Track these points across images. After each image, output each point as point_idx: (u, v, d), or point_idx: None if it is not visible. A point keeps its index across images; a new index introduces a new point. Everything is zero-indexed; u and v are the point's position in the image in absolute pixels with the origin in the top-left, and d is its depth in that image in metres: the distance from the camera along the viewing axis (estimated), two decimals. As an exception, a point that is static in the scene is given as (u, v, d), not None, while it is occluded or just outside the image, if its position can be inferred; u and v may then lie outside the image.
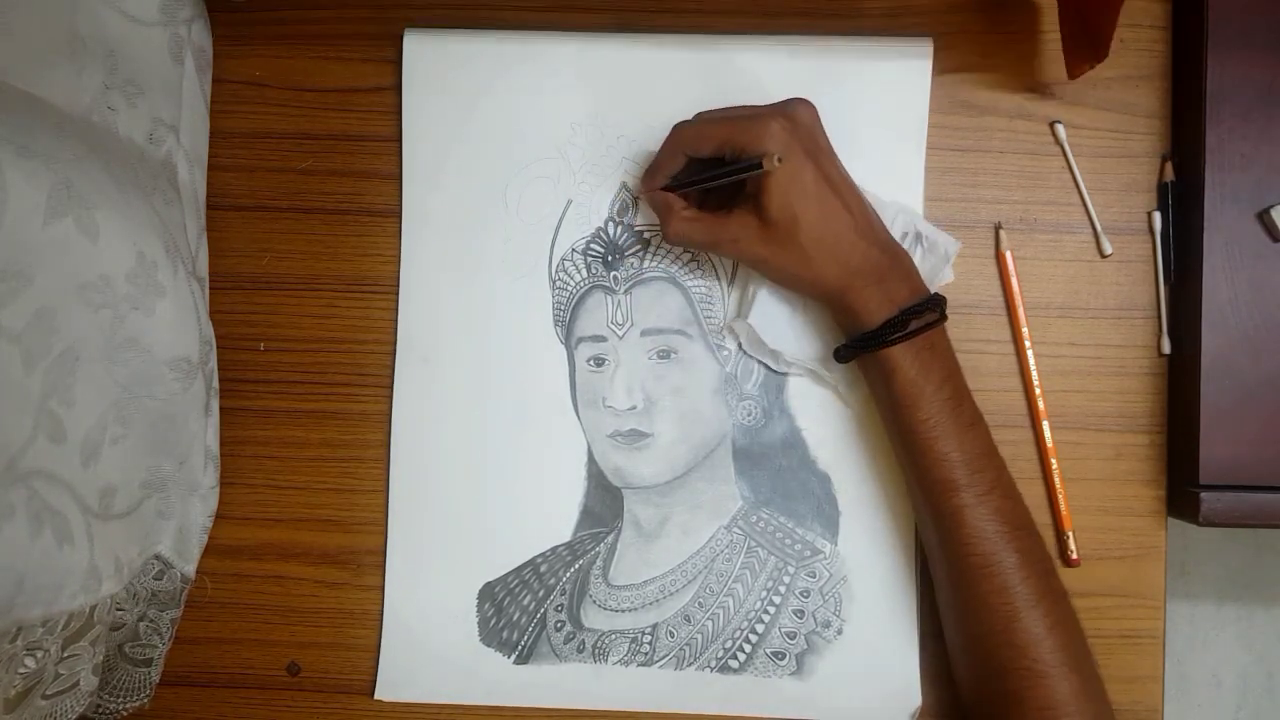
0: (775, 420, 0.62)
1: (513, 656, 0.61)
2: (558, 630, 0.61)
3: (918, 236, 0.60)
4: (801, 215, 0.53)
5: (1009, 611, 0.52)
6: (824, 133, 0.56)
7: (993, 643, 0.52)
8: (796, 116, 0.54)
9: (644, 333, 0.62)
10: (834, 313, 0.57)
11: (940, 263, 0.60)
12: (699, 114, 0.57)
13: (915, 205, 0.61)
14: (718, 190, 0.58)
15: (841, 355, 0.56)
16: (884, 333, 0.53)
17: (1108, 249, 0.61)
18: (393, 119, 0.63)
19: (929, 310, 0.54)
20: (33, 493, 0.45)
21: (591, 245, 0.62)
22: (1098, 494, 0.61)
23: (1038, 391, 0.61)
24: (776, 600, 0.61)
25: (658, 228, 0.62)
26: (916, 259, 0.59)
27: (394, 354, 0.63)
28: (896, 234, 0.58)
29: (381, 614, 0.62)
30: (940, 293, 0.56)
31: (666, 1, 0.63)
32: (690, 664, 0.61)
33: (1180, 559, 1.14)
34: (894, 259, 0.55)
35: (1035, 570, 0.53)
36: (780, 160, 0.52)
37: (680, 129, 0.57)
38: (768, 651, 0.61)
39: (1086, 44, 0.57)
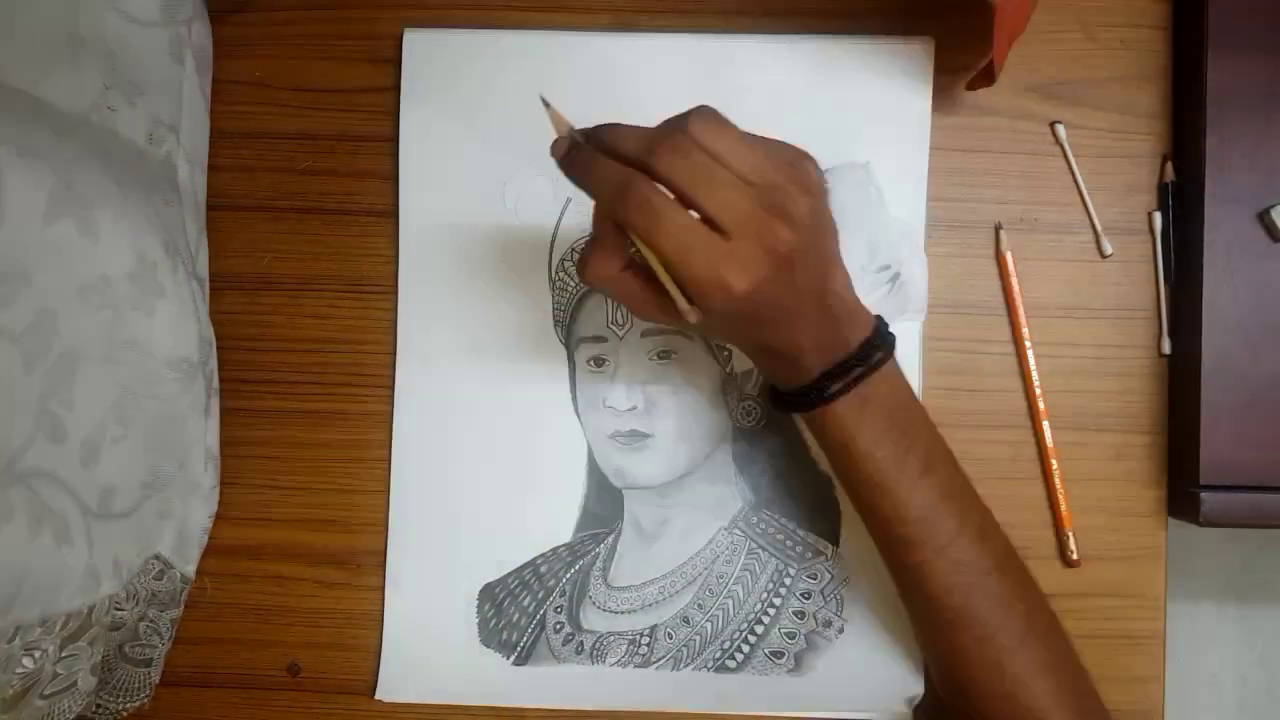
0: (776, 421, 0.61)
1: (512, 657, 0.61)
2: (557, 632, 0.61)
3: (894, 278, 0.60)
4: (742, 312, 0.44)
5: (991, 660, 0.49)
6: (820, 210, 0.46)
7: (978, 693, 0.50)
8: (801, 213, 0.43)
9: (644, 333, 0.62)
10: (759, 365, 0.52)
11: (905, 305, 0.60)
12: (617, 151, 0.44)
13: (918, 205, 0.61)
14: None
15: (777, 406, 0.52)
16: (812, 393, 0.48)
17: (1108, 249, 0.61)
18: (393, 119, 0.63)
19: (866, 357, 0.48)
20: (32, 493, 0.45)
21: (591, 245, 0.62)
22: (1098, 494, 0.61)
23: (1038, 391, 0.61)
24: (777, 602, 0.61)
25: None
26: (879, 295, 0.58)
27: (394, 354, 0.63)
28: (875, 266, 0.58)
29: (382, 614, 0.62)
30: (890, 331, 0.51)
31: (666, 2, 0.63)
32: (688, 664, 0.61)
33: (1180, 559, 1.14)
34: (832, 320, 0.48)
35: (1013, 613, 0.49)
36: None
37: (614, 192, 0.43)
38: (766, 651, 0.61)
39: (987, 68, 0.57)
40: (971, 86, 0.59)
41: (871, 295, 0.59)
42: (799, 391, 0.49)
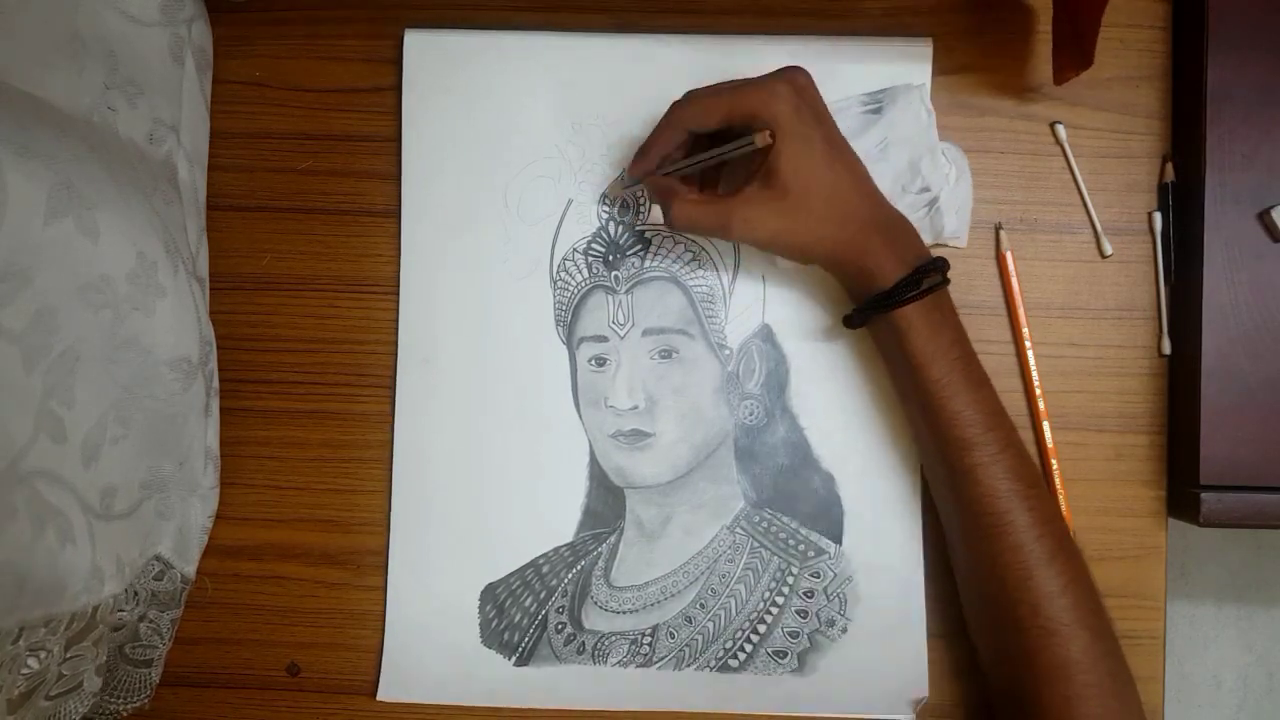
0: (777, 419, 0.62)
1: (513, 658, 0.61)
2: (558, 632, 0.61)
3: (932, 202, 0.60)
4: (815, 180, 0.53)
5: (1022, 569, 0.52)
6: (821, 97, 0.55)
7: (1006, 601, 0.53)
8: (798, 82, 0.54)
9: (645, 332, 0.62)
10: (846, 277, 0.56)
11: (940, 230, 0.60)
12: (690, 91, 0.56)
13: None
14: (711, 174, 0.58)
15: (853, 321, 0.56)
16: (899, 292, 0.53)
17: (1108, 249, 0.61)
18: (393, 119, 0.63)
19: (935, 271, 0.54)
20: (34, 493, 0.45)
21: (593, 245, 0.62)
22: (1098, 494, 0.61)
23: (1038, 392, 0.61)
24: (780, 601, 0.61)
25: (660, 227, 0.62)
26: (915, 218, 0.59)
27: (395, 354, 0.63)
28: (915, 188, 0.59)
29: (384, 615, 0.62)
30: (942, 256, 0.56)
31: (666, 1, 0.63)
32: (689, 664, 0.61)
33: (1180, 559, 1.14)
34: (900, 217, 0.56)
35: (1048, 529, 0.53)
36: (773, 137, 0.52)
37: (679, 107, 0.56)
38: (769, 651, 0.61)
39: (1074, 51, 0.57)
40: (1062, 78, 0.59)
41: (909, 217, 0.59)
42: (884, 294, 0.53)
